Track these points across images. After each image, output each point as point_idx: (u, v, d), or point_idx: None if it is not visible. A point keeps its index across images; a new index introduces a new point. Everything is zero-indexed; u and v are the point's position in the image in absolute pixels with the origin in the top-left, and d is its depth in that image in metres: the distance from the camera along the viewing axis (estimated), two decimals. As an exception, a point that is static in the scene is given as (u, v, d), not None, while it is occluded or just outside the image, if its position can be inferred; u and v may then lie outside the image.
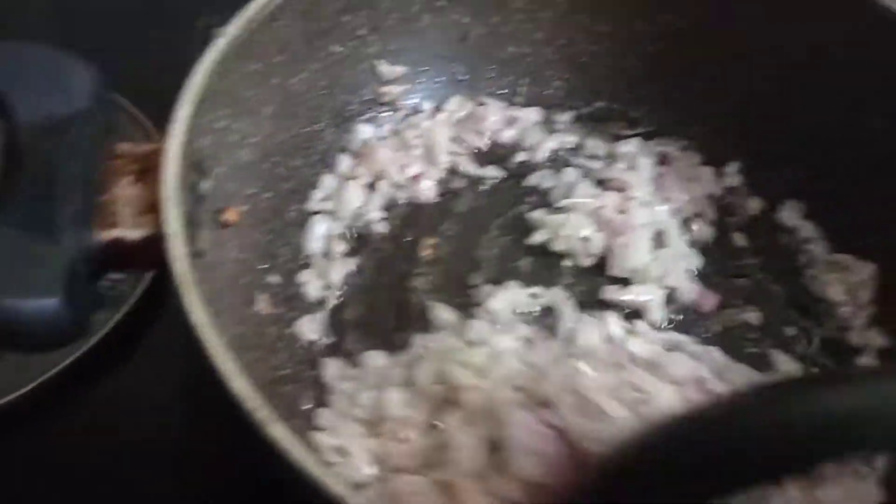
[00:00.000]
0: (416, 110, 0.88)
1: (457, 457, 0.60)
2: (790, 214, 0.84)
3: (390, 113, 0.87)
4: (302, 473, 0.45)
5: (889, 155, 0.77)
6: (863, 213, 0.79)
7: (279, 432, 0.45)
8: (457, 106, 0.89)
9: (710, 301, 0.77)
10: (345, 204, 0.80)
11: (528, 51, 0.90)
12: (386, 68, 0.84)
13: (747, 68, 0.84)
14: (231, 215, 0.66)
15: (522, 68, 0.91)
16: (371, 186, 0.82)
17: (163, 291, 0.77)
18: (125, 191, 0.57)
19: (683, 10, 0.85)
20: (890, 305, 0.77)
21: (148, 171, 0.58)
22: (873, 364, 0.74)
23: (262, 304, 0.68)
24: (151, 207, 0.56)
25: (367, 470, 0.62)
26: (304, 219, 0.78)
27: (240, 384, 0.47)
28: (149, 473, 0.70)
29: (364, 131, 0.85)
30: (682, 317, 0.76)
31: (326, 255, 0.77)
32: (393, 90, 0.86)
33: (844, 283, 0.79)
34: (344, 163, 0.83)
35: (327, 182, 0.82)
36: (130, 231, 0.55)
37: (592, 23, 0.89)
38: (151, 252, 0.55)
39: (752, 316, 0.77)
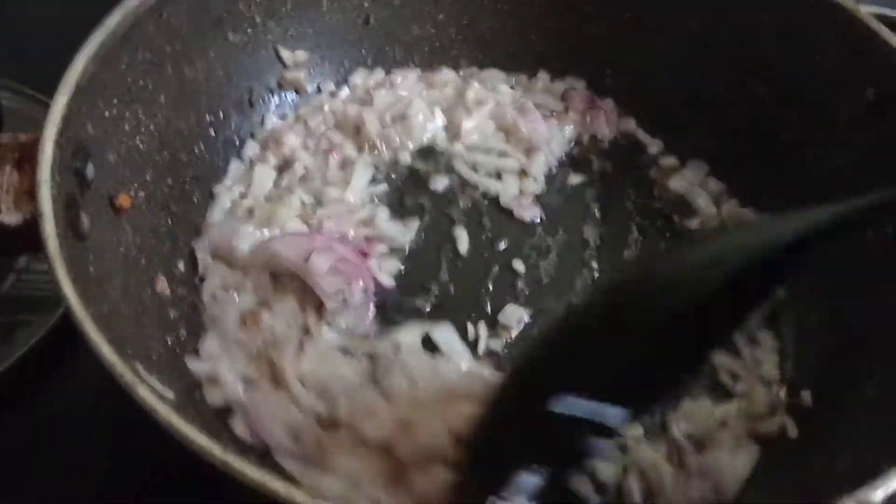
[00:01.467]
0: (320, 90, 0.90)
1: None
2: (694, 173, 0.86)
3: (296, 97, 0.89)
4: (172, 433, 0.46)
5: (776, 113, 0.80)
6: (762, 170, 0.82)
7: (145, 394, 0.47)
8: (361, 80, 0.91)
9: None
10: (255, 188, 0.81)
11: (432, 31, 0.92)
12: (287, 54, 0.86)
13: (646, 41, 0.87)
14: (124, 201, 0.67)
15: (428, 49, 0.93)
16: (279, 170, 0.83)
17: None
18: (5, 178, 0.58)
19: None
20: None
21: (27, 158, 0.59)
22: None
23: (161, 286, 0.69)
24: (29, 192, 0.57)
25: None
26: (207, 204, 0.79)
27: (107, 352, 0.48)
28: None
29: (270, 117, 0.86)
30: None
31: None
32: (297, 75, 0.87)
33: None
34: (251, 148, 0.85)
35: (234, 167, 0.83)
36: (9, 216, 0.57)
37: (494, 1, 0.91)
38: (31, 236, 0.56)
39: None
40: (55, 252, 0.52)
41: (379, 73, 0.91)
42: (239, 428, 0.64)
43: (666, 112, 0.87)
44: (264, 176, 0.82)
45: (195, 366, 0.67)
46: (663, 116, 0.88)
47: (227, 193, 0.81)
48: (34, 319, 0.77)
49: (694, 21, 0.85)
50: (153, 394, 0.46)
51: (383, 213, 0.80)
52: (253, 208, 0.79)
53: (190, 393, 0.63)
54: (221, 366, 0.66)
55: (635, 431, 0.67)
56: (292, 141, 0.84)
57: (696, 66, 0.85)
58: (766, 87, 0.81)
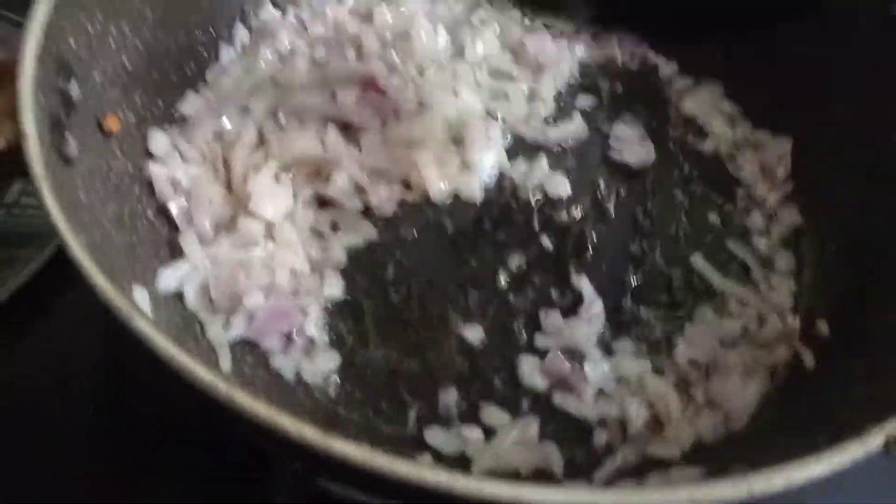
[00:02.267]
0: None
1: None
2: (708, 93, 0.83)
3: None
4: (171, 365, 0.44)
5: (792, 29, 0.76)
6: (777, 92, 0.78)
7: (142, 325, 0.44)
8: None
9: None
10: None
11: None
12: (281, -38, 0.81)
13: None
14: (112, 123, 0.63)
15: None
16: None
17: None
18: (-16, 99, 0.54)
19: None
20: (802, 181, 0.76)
21: (6, 78, 0.55)
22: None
23: (155, 214, 0.66)
24: (10, 114, 0.53)
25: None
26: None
27: (101, 282, 0.46)
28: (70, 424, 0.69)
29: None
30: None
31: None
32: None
33: (760, 162, 0.78)
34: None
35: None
36: (-10, 139, 0.53)
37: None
38: (16, 160, 0.53)
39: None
40: (41, 175, 0.49)
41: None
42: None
43: (679, 30, 0.83)
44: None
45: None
46: (676, 34, 0.83)
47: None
48: (26, 255, 0.73)
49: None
50: (151, 325, 0.44)
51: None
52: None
53: (189, 327, 0.61)
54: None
55: (642, 364, 0.66)
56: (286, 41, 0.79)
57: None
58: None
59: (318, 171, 0.65)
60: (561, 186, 0.74)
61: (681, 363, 0.66)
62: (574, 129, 0.78)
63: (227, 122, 0.71)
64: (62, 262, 0.48)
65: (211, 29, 0.77)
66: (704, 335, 0.68)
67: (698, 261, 0.72)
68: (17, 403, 0.69)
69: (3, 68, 0.56)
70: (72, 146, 0.56)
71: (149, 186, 0.67)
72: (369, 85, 0.69)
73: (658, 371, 0.66)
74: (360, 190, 0.65)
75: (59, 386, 0.69)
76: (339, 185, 0.64)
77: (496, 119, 0.77)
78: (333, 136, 0.64)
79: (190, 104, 0.73)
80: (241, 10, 0.80)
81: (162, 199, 0.65)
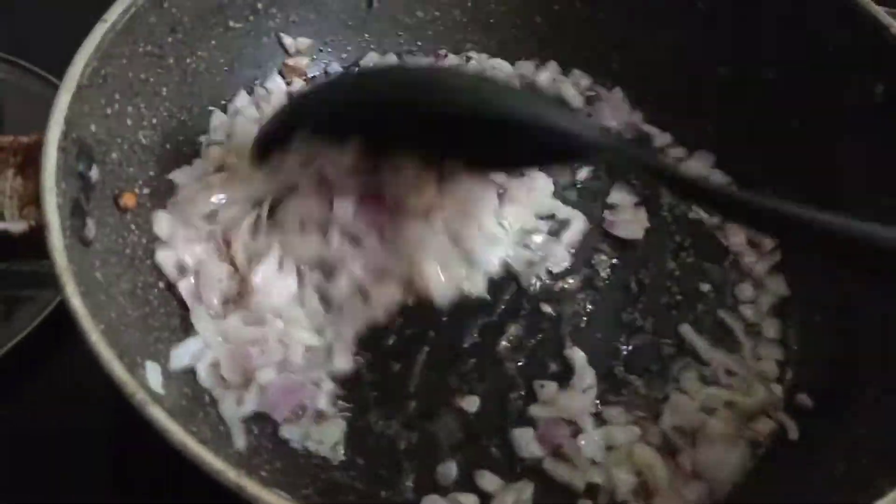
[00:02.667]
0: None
1: None
2: (700, 164, 0.86)
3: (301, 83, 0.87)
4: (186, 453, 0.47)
5: (783, 103, 0.79)
6: (764, 161, 0.81)
7: (157, 413, 0.47)
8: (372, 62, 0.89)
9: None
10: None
11: (436, 14, 0.90)
12: (290, 41, 0.84)
13: (653, 24, 0.85)
14: (129, 200, 0.66)
15: (432, 33, 0.91)
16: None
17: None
18: (8, 183, 0.58)
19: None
20: (789, 252, 0.79)
21: (30, 162, 0.58)
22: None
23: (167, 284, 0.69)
24: (34, 199, 0.56)
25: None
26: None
27: (118, 369, 0.48)
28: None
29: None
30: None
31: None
32: (300, 62, 0.85)
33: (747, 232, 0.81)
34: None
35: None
36: (14, 224, 0.56)
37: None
38: (35, 243, 0.56)
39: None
40: (63, 265, 0.52)
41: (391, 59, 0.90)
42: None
43: (672, 100, 0.86)
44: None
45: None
46: (669, 104, 0.87)
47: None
48: (36, 295, 0.76)
49: (701, 2, 0.83)
50: (165, 414, 0.47)
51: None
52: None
53: (199, 399, 0.64)
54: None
55: (631, 431, 0.68)
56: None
57: (703, 48, 0.84)
58: (774, 72, 0.80)
59: (323, 262, 0.68)
60: (562, 261, 0.77)
61: (667, 430, 0.68)
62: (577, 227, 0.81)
63: (220, 198, 0.72)
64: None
65: (223, 102, 0.81)
66: (690, 403, 0.70)
67: (687, 330, 0.75)
68: (30, 445, 0.72)
69: (27, 152, 0.59)
70: (90, 228, 0.59)
71: (160, 257, 0.70)
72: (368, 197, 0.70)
73: (646, 438, 0.68)
74: (363, 290, 0.68)
75: (72, 427, 0.72)
76: (342, 285, 0.68)
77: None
78: (336, 239, 0.67)
79: (182, 174, 0.74)
80: (253, 82, 0.84)
81: (171, 280, 0.68)
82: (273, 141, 0.70)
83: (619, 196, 0.83)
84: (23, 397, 0.75)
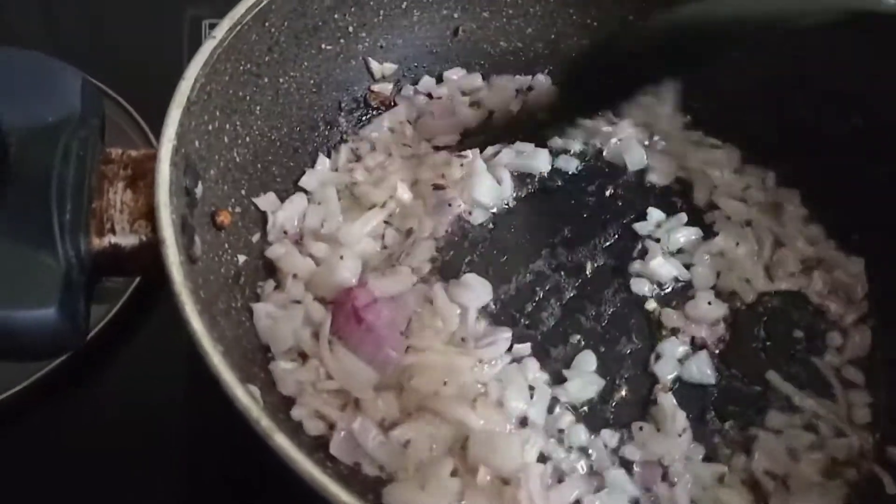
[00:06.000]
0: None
1: None
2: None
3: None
4: (311, 486, 0.45)
5: (872, 152, 0.78)
6: (853, 210, 0.80)
7: (282, 442, 0.45)
8: (458, 76, 0.89)
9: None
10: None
11: (519, 45, 0.90)
12: (376, 66, 0.84)
13: (739, 69, 0.84)
14: (224, 217, 0.65)
15: (514, 63, 0.91)
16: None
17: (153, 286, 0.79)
18: (118, 196, 0.56)
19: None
20: (876, 301, 0.77)
21: (140, 176, 0.57)
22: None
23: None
24: (145, 213, 0.55)
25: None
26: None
27: (241, 395, 0.47)
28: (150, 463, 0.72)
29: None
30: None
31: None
32: (384, 88, 0.85)
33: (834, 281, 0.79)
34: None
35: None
36: (125, 238, 0.55)
37: (583, 16, 0.89)
38: (146, 258, 0.54)
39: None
40: (181, 283, 0.50)
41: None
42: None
43: (759, 146, 0.86)
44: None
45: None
46: (756, 151, 0.86)
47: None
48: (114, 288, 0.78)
49: (787, 50, 0.82)
50: (292, 445, 0.45)
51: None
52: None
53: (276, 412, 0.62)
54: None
55: (718, 473, 0.67)
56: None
57: (791, 96, 0.83)
58: (862, 119, 0.79)
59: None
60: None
61: (758, 473, 0.67)
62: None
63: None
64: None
65: (309, 122, 0.80)
66: (779, 446, 0.69)
67: (775, 377, 0.73)
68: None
69: (136, 166, 0.58)
70: (197, 245, 0.58)
71: (251, 276, 0.69)
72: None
73: (735, 481, 0.67)
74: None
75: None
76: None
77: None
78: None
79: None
80: (339, 105, 0.83)
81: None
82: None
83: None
84: (75, 408, 0.75)
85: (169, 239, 0.52)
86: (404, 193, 0.79)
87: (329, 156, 0.82)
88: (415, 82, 0.88)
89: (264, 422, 0.46)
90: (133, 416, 0.75)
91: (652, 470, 0.66)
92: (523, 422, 0.68)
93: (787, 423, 0.70)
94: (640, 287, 0.77)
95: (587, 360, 0.72)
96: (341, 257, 0.72)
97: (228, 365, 0.48)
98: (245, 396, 0.47)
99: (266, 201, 0.74)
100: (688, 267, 0.79)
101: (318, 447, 0.63)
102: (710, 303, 0.75)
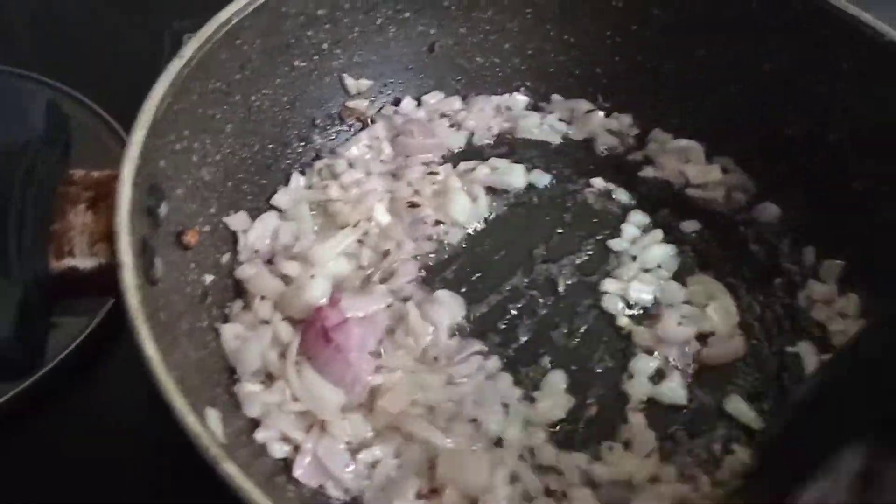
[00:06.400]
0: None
1: None
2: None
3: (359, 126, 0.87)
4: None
5: (847, 166, 0.78)
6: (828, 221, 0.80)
7: (231, 470, 0.45)
8: (436, 99, 0.90)
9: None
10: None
11: (496, 61, 0.90)
12: (351, 82, 0.84)
13: (718, 80, 0.85)
14: (191, 237, 0.65)
15: (490, 78, 0.91)
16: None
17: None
18: (79, 218, 0.56)
19: (656, 19, 0.85)
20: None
21: (102, 197, 0.57)
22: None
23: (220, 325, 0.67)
24: (105, 235, 0.55)
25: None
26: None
27: (192, 422, 0.47)
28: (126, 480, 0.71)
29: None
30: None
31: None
32: (360, 104, 0.85)
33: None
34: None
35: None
36: (84, 260, 0.55)
37: (560, 32, 0.89)
38: (105, 281, 0.54)
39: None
40: (136, 308, 0.50)
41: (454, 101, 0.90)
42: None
43: (740, 159, 0.86)
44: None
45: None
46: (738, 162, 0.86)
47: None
48: (70, 321, 0.75)
49: (770, 63, 0.82)
50: (239, 470, 0.45)
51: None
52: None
53: (259, 449, 0.62)
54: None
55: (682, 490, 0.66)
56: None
57: (772, 108, 0.82)
58: (841, 134, 0.79)
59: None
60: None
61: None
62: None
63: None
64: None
65: (283, 140, 0.80)
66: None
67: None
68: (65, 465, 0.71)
69: (98, 187, 0.58)
70: (158, 268, 0.58)
71: (218, 296, 0.69)
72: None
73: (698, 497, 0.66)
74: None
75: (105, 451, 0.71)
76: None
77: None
78: None
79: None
80: (312, 121, 0.83)
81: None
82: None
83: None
84: (52, 425, 0.74)
85: (127, 263, 0.52)
86: (382, 217, 0.79)
87: (303, 173, 0.82)
88: (393, 100, 0.88)
89: (213, 450, 0.45)
90: (110, 433, 0.74)
91: (618, 490, 0.66)
92: (498, 442, 0.68)
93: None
94: (613, 304, 0.77)
95: (557, 380, 0.72)
96: (312, 276, 0.71)
97: (181, 391, 0.48)
98: (195, 424, 0.46)
99: (237, 220, 0.74)
100: (660, 285, 0.79)
101: (280, 470, 0.62)
102: (679, 322, 0.75)
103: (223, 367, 0.65)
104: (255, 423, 0.64)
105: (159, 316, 0.57)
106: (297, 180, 0.81)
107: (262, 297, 0.70)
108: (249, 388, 0.65)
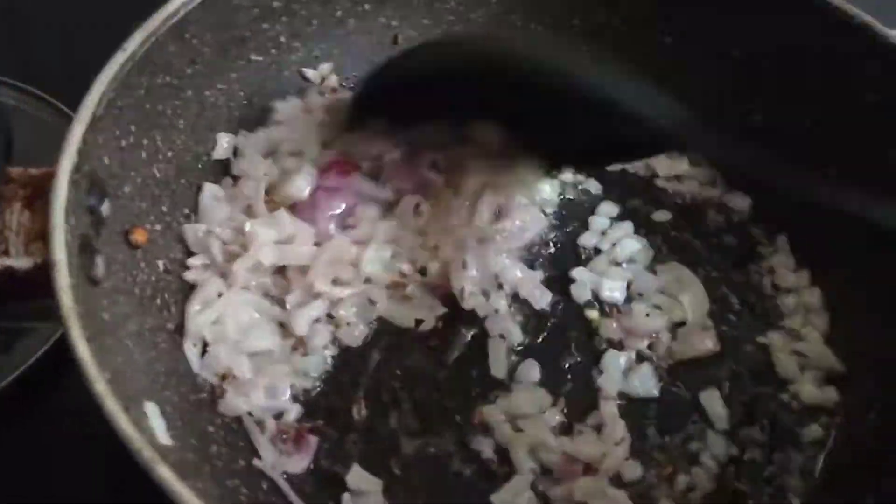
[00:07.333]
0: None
1: None
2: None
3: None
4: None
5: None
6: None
7: (166, 474, 0.43)
8: None
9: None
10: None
11: (459, 52, 0.88)
12: (313, 74, 0.82)
13: (685, 67, 0.82)
14: (140, 235, 0.63)
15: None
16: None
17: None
18: (15, 217, 0.55)
19: (624, 7, 0.83)
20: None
21: (39, 195, 0.55)
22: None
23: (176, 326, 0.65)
24: (41, 234, 0.53)
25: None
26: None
27: (125, 425, 0.45)
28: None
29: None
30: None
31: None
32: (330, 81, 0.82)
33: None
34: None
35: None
36: (19, 260, 0.53)
37: (526, 22, 0.87)
38: (42, 282, 0.52)
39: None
40: (69, 306, 0.48)
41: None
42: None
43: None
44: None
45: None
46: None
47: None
48: (38, 328, 0.72)
49: (737, 49, 0.80)
50: (173, 473, 0.43)
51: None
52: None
53: (205, 449, 0.59)
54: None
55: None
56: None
57: (740, 93, 0.81)
58: (813, 119, 0.77)
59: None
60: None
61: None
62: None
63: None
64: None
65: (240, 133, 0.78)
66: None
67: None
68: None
69: (35, 185, 0.57)
70: (99, 267, 0.56)
71: (170, 296, 0.67)
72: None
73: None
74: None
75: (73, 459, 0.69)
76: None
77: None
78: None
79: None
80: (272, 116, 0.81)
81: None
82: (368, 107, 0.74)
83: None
84: (22, 431, 0.71)
85: (60, 261, 0.50)
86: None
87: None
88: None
89: (146, 452, 0.44)
90: (81, 437, 0.71)
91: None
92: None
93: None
94: (582, 296, 0.75)
95: (531, 372, 0.71)
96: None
97: (114, 392, 0.46)
98: (129, 426, 0.44)
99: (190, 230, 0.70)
100: (632, 277, 0.77)
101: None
102: (647, 314, 0.73)
103: (174, 368, 0.63)
104: (206, 423, 0.62)
105: (102, 316, 0.55)
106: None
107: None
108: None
